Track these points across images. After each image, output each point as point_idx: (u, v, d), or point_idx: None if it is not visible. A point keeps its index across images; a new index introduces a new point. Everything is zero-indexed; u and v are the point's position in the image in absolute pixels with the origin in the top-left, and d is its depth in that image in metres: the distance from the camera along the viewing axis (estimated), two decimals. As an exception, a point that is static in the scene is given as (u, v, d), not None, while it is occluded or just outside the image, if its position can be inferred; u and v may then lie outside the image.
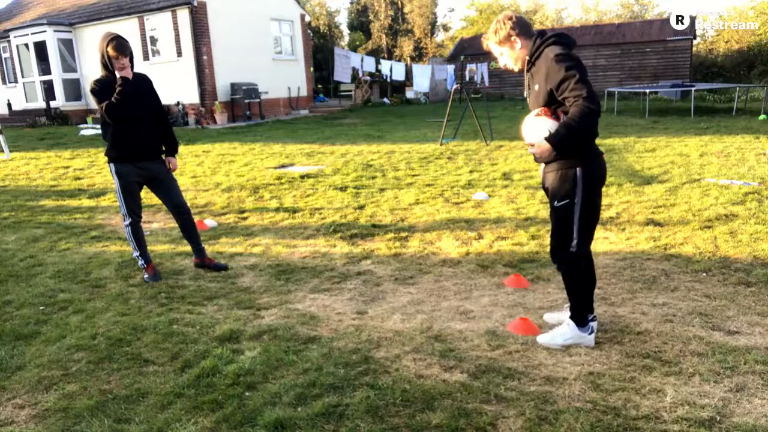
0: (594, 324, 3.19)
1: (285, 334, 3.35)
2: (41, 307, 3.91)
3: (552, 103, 2.90)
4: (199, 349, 3.20)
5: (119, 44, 4.01)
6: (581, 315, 3.12)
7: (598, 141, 3.04)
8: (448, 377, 2.82)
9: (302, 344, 3.23)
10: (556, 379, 2.77)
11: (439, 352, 3.08)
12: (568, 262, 3.12)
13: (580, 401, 2.57)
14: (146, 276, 4.39)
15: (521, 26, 2.99)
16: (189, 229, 4.57)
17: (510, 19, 3.00)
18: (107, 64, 4.06)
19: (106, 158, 4.30)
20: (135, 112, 4.15)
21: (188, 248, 4.75)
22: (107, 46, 4.00)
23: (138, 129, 4.20)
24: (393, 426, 2.44)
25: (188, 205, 4.62)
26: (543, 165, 3.13)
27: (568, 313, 3.18)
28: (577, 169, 2.91)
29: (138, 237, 4.41)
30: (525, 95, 3.15)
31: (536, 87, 2.96)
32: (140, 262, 4.42)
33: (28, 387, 2.88)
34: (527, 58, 3.00)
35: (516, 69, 3.14)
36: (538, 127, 2.90)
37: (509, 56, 3.08)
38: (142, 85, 4.27)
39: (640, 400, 2.57)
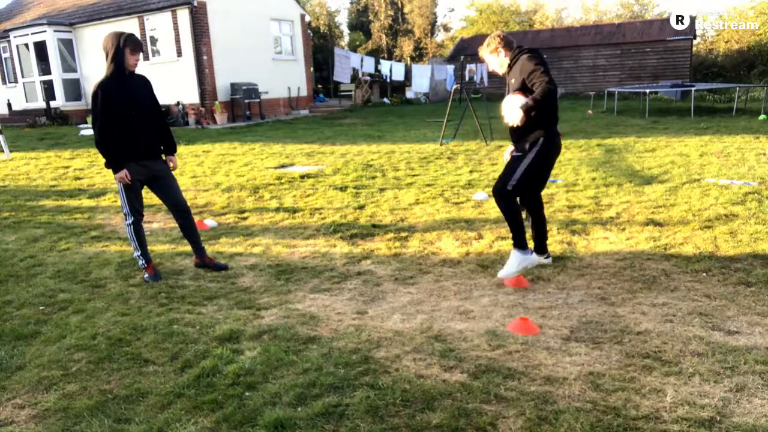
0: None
1: (285, 334, 3.35)
2: (41, 307, 3.91)
3: (525, 90, 3.93)
4: (199, 349, 3.20)
5: (136, 40, 4.13)
6: (521, 240, 4.04)
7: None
8: (448, 377, 2.82)
9: (302, 344, 3.23)
10: (556, 379, 2.77)
11: (439, 352, 3.08)
12: (504, 197, 4.06)
13: (580, 401, 2.57)
14: (146, 276, 4.39)
15: (506, 42, 4.14)
16: (189, 229, 4.58)
17: (499, 36, 4.16)
18: (118, 59, 4.07)
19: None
20: (132, 111, 4.17)
21: (188, 248, 4.75)
22: (124, 41, 4.06)
23: (137, 128, 4.22)
24: (393, 426, 2.44)
25: (188, 204, 4.63)
26: (510, 146, 4.22)
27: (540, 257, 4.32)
28: (540, 138, 3.99)
29: (139, 236, 4.41)
30: (506, 94, 4.14)
31: (513, 81, 4.05)
32: (140, 261, 4.42)
33: (28, 387, 2.88)
34: (508, 63, 4.11)
35: (500, 73, 4.22)
36: (515, 99, 3.91)
37: (497, 63, 4.19)
38: (141, 85, 4.32)
39: (640, 400, 2.57)
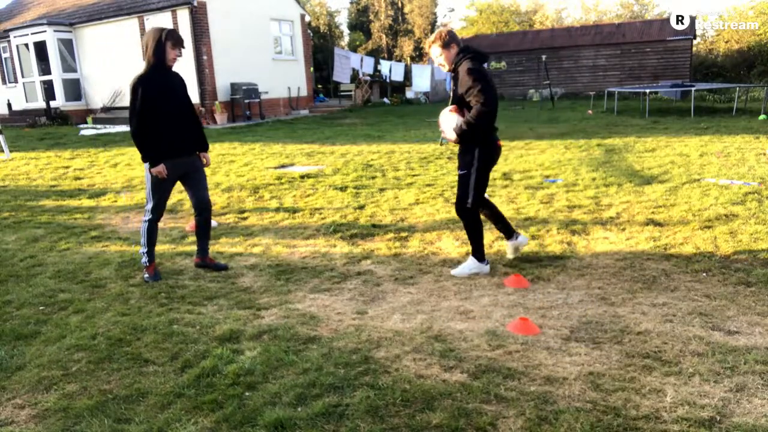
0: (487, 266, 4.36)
1: (285, 334, 3.35)
2: (41, 307, 3.91)
3: (462, 102, 4.06)
4: (199, 349, 3.20)
5: (177, 36, 4.13)
6: (480, 252, 4.32)
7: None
8: (448, 377, 2.82)
9: (302, 344, 3.23)
10: (556, 379, 2.77)
11: (439, 352, 3.08)
12: (467, 213, 4.26)
13: (580, 401, 2.57)
14: (146, 275, 4.38)
15: (451, 38, 4.12)
16: (203, 228, 4.59)
17: (449, 31, 4.16)
18: (159, 53, 4.07)
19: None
20: (170, 107, 4.19)
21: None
22: (165, 35, 4.06)
23: (174, 124, 4.22)
24: (393, 426, 2.44)
25: (211, 205, 4.68)
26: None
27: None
28: (476, 150, 4.09)
29: (151, 235, 4.39)
30: (450, 88, 4.35)
31: (455, 87, 4.15)
32: (144, 258, 4.41)
33: (28, 387, 2.88)
34: (453, 62, 4.10)
35: (446, 69, 4.19)
36: (449, 120, 4.10)
37: (445, 58, 4.13)
38: (177, 81, 4.31)
39: (640, 400, 2.57)
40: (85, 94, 19.70)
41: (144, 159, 4.20)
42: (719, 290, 3.77)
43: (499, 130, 4.32)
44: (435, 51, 4.15)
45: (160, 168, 4.16)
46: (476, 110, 3.88)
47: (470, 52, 4.05)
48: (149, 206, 4.35)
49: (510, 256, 4.57)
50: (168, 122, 4.18)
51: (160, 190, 4.30)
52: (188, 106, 4.36)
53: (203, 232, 4.60)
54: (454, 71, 4.12)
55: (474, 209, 4.24)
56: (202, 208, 4.53)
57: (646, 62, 24.98)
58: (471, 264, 4.32)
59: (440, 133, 5.03)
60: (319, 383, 2.78)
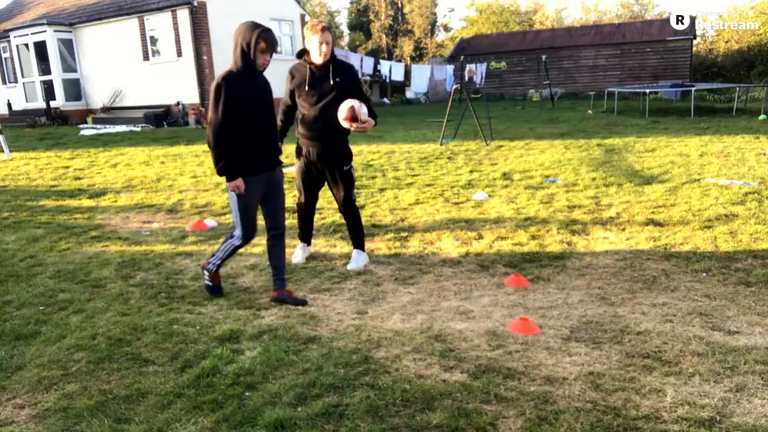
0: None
1: (285, 334, 3.35)
2: (41, 307, 3.91)
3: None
4: (199, 349, 3.20)
5: (271, 38, 3.58)
6: (363, 242, 4.60)
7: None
8: (448, 377, 2.82)
9: (302, 344, 3.23)
10: (556, 379, 2.77)
11: (439, 352, 3.08)
12: (352, 208, 4.51)
13: (580, 401, 2.57)
14: (208, 282, 4.01)
15: None
16: (278, 252, 3.98)
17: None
18: (246, 55, 3.54)
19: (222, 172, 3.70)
20: (256, 114, 3.65)
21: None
22: (258, 36, 3.51)
23: (259, 135, 3.70)
24: (393, 426, 2.44)
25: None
26: (319, 143, 4.35)
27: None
28: (350, 145, 4.46)
29: (231, 255, 4.01)
30: (332, 83, 4.24)
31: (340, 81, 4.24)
32: (211, 269, 3.98)
33: (28, 387, 2.88)
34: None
35: (324, 60, 4.17)
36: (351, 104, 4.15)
37: (329, 48, 4.15)
38: (265, 86, 3.74)
39: (640, 400, 2.57)
40: (85, 94, 19.69)
41: (220, 172, 3.63)
42: (719, 290, 3.77)
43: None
44: (330, 40, 4.18)
45: (238, 182, 3.62)
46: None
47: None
48: (238, 231, 3.86)
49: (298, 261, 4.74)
50: (250, 133, 3.62)
51: (247, 212, 3.79)
52: (273, 116, 3.82)
53: (277, 256, 3.96)
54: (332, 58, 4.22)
55: (355, 201, 4.55)
56: (277, 233, 3.96)
57: (646, 62, 25.01)
58: (363, 256, 4.56)
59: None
60: (319, 383, 2.78)
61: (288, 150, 4.38)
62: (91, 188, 8.06)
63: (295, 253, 4.77)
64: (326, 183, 4.52)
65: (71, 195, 7.67)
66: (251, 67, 3.56)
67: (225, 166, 3.61)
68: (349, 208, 4.51)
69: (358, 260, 4.53)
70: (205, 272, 4.03)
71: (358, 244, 4.60)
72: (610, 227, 5.28)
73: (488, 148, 10.50)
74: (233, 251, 3.99)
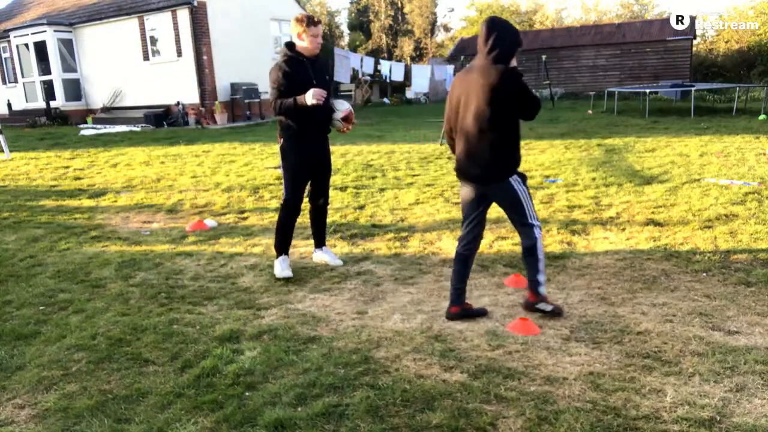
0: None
1: (285, 334, 3.35)
2: (41, 307, 3.91)
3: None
4: (199, 349, 3.20)
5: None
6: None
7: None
8: (448, 377, 2.82)
9: (302, 344, 3.23)
10: (556, 379, 2.77)
11: (439, 352, 3.08)
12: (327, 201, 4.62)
13: (580, 401, 2.57)
14: (549, 308, 3.50)
15: None
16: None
17: None
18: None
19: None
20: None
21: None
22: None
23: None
24: (393, 426, 2.45)
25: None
26: (325, 137, 4.41)
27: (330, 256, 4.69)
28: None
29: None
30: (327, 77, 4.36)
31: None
32: (543, 293, 3.52)
33: (28, 387, 2.88)
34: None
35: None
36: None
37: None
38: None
39: (640, 400, 2.57)
40: (85, 94, 19.69)
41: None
42: (719, 290, 3.77)
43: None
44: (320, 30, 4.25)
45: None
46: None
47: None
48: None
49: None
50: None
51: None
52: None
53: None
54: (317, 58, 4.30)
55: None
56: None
57: (646, 62, 24.99)
58: (284, 262, 4.45)
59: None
60: (319, 383, 2.78)
61: (274, 149, 4.37)
62: (91, 188, 8.06)
63: (279, 265, 4.43)
64: (313, 178, 4.50)
65: (71, 195, 7.67)
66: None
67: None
68: (327, 201, 4.61)
69: (332, 256, 4.68)
70: (542, 305, 3.48)
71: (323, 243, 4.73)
72: (610, 227, 5.28)
73: (488, 148, 10.47)
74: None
